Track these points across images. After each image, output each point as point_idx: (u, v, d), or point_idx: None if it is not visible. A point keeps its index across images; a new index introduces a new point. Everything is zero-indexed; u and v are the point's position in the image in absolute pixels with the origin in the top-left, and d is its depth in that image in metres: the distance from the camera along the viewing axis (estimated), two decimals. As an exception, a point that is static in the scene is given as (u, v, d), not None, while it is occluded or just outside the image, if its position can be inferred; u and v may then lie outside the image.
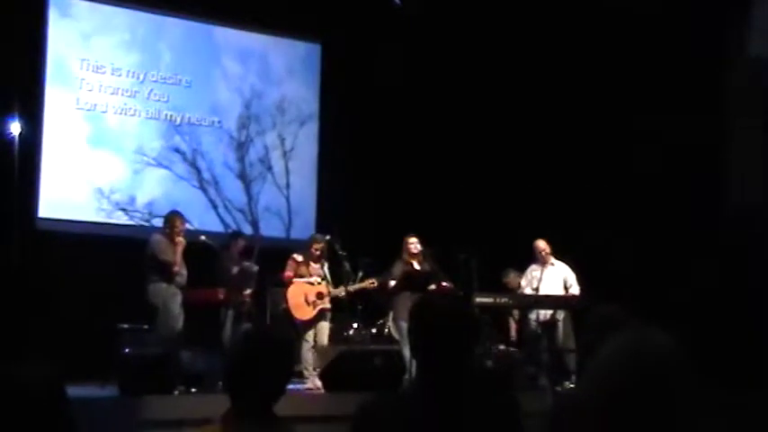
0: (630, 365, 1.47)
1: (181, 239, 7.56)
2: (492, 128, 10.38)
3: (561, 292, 8.33)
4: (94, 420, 4.90)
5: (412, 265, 7.95)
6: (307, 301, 7.84)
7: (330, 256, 8.25)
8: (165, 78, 10.00)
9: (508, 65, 10.27)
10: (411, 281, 7.71)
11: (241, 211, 10.39)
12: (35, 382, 1.72)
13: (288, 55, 10.91)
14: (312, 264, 7.98)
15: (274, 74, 10.81)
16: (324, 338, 7.89)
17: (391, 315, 8.47)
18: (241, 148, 10.48)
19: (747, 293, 7.86)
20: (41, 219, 9.07)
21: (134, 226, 9.52)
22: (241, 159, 10.46)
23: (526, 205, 9.92)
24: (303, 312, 7.83)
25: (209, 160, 10.21)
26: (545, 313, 8.32)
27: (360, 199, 10.27)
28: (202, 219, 9.80)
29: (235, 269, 8.13)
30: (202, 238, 8.21)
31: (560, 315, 8.30)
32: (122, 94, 9.73)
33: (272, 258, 8.37)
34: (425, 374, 2.19)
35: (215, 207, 10.21)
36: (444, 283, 7.74)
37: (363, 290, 8.29)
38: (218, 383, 6.76)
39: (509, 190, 10.27)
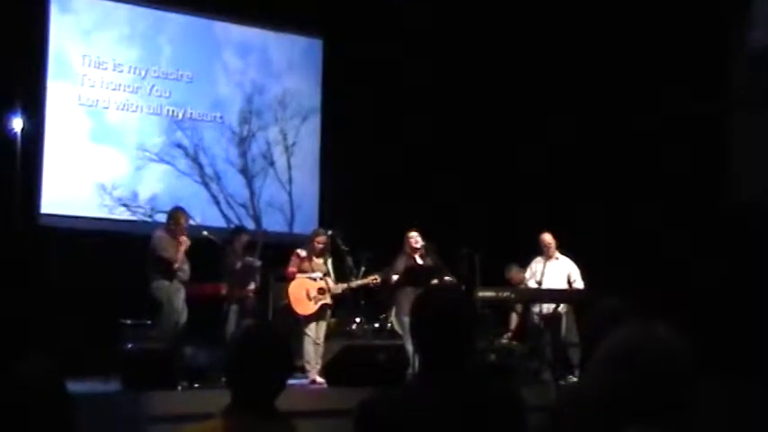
0: (631, 360, 1.46)
1: (185, 239, 7.55)
2: (496, 121, 10.37)
3: (564, 286, 8.32)
4: (97, 416, 4.91)
5: (414, 259, 7.95)
6: (308, 296, 7.84)
7: (332, 250, 8.24)
8: (166, 74, 10.00)
9: (510, 57, 10.26)
10: (413, 275, 7.70)
11: (243, 206, 10.39)
12: (35, 377, 1.72)
13: (288, 49, 10.90)
14: (315, 259, 7.97)
15: (275, 68, 10.80)
16: (321, 335, 7.89)
17: (394, 310, 8.47)
18: (243, 143, 10.47)
19: (750, 286, 7.85)
20: (44, 215, 9.07)
21: (136, 222, 9.52)
22: (243, 154, 10.46)
23: (530, 199, 9.92)
24: (304, 307, 7.83)
25: (210, 155, 10.21)
26: (548, 307, 8.31)
27: (362, 193, 10.27)
28: (205, 214, 9.79)
29: (238, 264, 8.14)
30: (205, 233, 8.20)
31: (563, 309, 8.29)
32: (124, 90, 9.73)
33: (275, 253, 8.37)
34: (428, 369, 2.18)
35: (217, 202, 10.21)
36: (447, 278, 7.74)
37: (366, 286, 8.30)
38: (221, 378, 6.76)
39: (512, 183, 10.27)
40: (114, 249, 8.67)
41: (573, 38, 9.69)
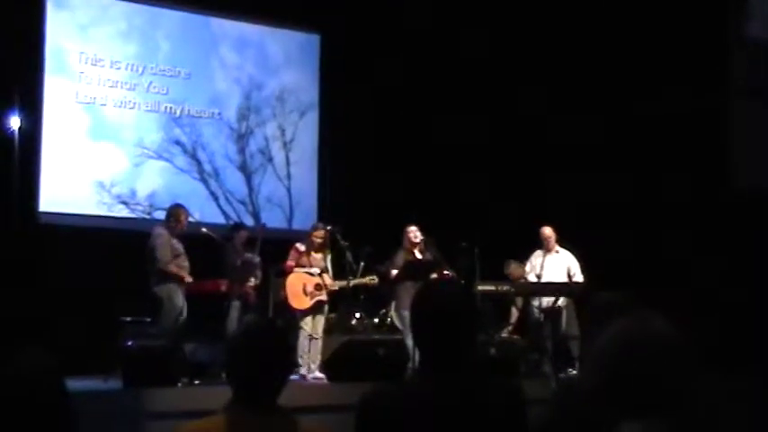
0: (628, 353, 1.47)
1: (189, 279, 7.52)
2: (494, 115, 10.36)
3: (564, 279, 8.32)
4: (98, 413, 4.92)
5: (414, 254, 7.94)
6: (304, 291, 7.82)
7: (332, 246, 8.23)
8: (163, 71, 9.99)
9: (508, 51, 10.24)
10: (413, 270, 7.70)
11: (242, 202, 10.39)
12: (34, 375, 1.72)
13: (286, 44, 10.88)
14: (313, 254, 7.97)
15: (273, 64, 10.79)
16: (319, 330, 7.88)
17: (394, 305, 8.48)
18: (241, 139, 10.47)
19: (751, 278, 7.85)
20: (42, 212, 9.06)
21: (135, 219, 9.52)
22: (241, 151, 10.45)
23: (529, 193, 9.91)
24: (300, 302, 7.81)
25: (209, 152, 10.20)
26: (548, 300, 8.32)
27: (361, 188, 10.26)
28: (204, 211, 9.79)
29: (238, 261, 8.14)
30: (204, 230, 8.20)
31: (563, 302, 8.30)
32: (122, 87, 9.72)
33: (275, 249, 8.37)
34: (428, 363, 2.19)
35: (216, 199, 10.21)
36: (446, 272, 7.74)
37: (364, 285, 8.31)
38: (222, 375, 6.77)
39: (511, 178, 10.26)
40: (114, 247, 8.66)
41: (573, 34, 9.67)
